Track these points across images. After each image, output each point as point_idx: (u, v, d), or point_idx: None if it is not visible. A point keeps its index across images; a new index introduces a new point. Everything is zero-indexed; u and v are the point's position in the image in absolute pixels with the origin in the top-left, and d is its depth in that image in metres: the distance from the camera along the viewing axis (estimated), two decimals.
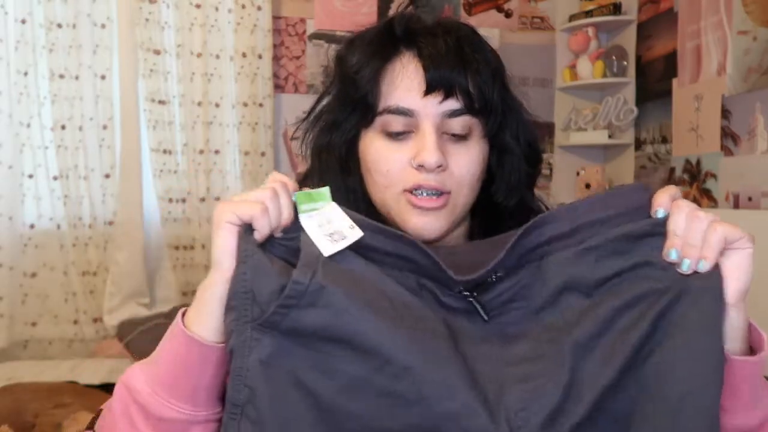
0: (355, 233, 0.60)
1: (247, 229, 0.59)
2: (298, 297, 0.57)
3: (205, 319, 0.60)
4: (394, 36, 0.70)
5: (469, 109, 0.68)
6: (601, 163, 3.22)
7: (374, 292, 0.58)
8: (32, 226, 2.70)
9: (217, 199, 2.87)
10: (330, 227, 0.61)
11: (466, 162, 0.69)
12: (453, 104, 0.67)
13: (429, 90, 0.66)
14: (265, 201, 0.59)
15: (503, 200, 0.74)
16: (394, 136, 0.69)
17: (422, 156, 0.66)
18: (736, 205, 2.33)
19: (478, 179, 0.71)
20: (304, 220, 0.61)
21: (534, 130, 0.76)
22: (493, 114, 0.70)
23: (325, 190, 0.62)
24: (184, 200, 2.84)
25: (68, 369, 2.38)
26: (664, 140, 2.76)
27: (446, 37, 0.68)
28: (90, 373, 2.31)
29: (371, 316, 0.56)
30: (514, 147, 0.73)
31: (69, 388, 1.90)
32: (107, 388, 1.99)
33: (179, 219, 2.84)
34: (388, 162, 0.69)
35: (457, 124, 0.68)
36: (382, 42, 0.70)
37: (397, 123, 0.68)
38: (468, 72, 0.67)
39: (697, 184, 2.54)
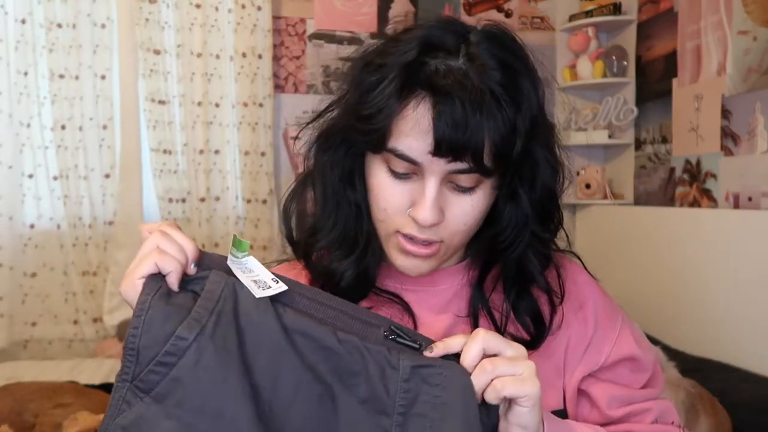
0: (280, 286, 0.59)
1: (152, 277, 0.57)
2: (178, 355, 0.53)
3: None
4: (416, 79, 0.63)
5: (479, 169, 0.63)
6: (601, 163, 3.22)
7: (272, 351, 0.56)
8: (32, 226, 2.70)
9: (217, 199, 2.88)
10: (254, 276, 0.59)
11: (465, 213, 0.66)
12: (461, 165, 0.62)
13: (436, 153, 0.61)
14: (158, 245, 0.58)
15: (505, 248, 0.70)
16: (397, 174, 0.65)
17: (418, 212, 0.64)
18: (736, 205, 2.33)
19: (474, 227, 0.68)
20: (229, 263, 0.60)
21: (554, 186, 0.70)
22: (508, 171, 0.65)
23: (247, 243, 0.61)
24: (184, 200, 2.84)
25: (68, 369, 2.38)
26: (664, 140, 2.76)
27: (472, 93, 0.60)
28: (90, 373, 2.32)
29: (244, 400, 0.53)
30: (526, 204, 0.68)
31: (69, 388, 1.90)
32: (107, 388, 1.99)
33: (179, 219, 2.83)
34: (387, 200, 0.66)
35: (465, 180, 0.64)
36: (404, 82, 0.63)
37: (401, 166, 0.64)
38: (486, 134, 0.61)
39: (697, 184, 2.54)
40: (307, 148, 0.73)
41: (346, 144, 0.69)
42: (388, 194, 0.66)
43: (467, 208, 0.66)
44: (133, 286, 0.57)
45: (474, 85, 0.61)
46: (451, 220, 0.66)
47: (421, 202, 0.64)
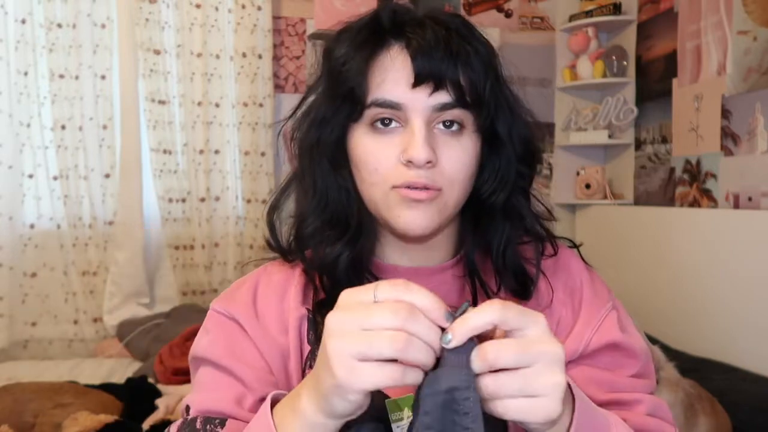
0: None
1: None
2: None
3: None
4: (381, 27, 0.67)
5: (460, 102, 0.65)
6: (601, 163, 3.22)
7: None
8: (32, 226, 2.70)
9: (217, 199, 2.88)
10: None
11: (458, 157, 0.66)
12: (443, 97, 0.64)
13: (417, 82, 0.64)
14: (406, 326, 0.47)
15: (490, 195, 0.71)
16: (383, 129, 0.66)
17: (411, 151, 0.64)
18: (736, 205, 2.33)
19: (470, 176, 0.69)
20: None
21: (529, 127, 0.73)
22: (486, 107, 0.67)
23: (409, 398, 0.51)
24: (184, 200, 2.84)
25: (68, 369, 2.38)
26: (664, 140, 2.76)
27: (435, 28, 0.65)
28: (90, 373, 2.32)
29: None
30: (507, 141, 0.70)
31: (69, 388, 1.90)
32: (107, 388, 1.99)
33: (179, 219, 2.84)
34: (376, 159, 0.66)
35: (449, 116, 0.66)
36: (370, 33, 0.67)
37: (385, 115, 0.66)
38: (458, 63, 0.64)
39: (697, 184, 2.54)
40: (290, 134, 0.74)
41: (328, 124, 0.69)
42: (376, 153, 0.67)
43: (459, 152, 0.67)
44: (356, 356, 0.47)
45: (438, 22, 0.66)
46: (446, 165, 0.66)
47: (412, 142, 0.64)
